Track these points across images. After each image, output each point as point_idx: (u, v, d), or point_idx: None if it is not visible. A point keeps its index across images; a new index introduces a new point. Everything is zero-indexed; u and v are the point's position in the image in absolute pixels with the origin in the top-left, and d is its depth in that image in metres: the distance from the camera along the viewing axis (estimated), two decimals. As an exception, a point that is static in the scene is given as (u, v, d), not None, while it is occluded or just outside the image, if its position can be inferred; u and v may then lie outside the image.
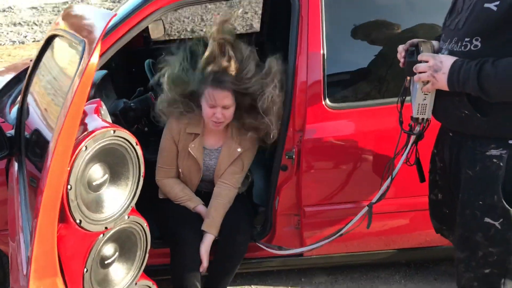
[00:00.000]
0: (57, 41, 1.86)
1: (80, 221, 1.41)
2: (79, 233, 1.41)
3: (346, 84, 2.58)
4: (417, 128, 1.94)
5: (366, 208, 2.27)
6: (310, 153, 2.39)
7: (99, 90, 2.63)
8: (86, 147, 1.39)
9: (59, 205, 1.33)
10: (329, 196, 2.48)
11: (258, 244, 2.56)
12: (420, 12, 2.49)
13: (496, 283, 1.84)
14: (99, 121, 1.53)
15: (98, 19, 1.46)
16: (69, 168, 1.35)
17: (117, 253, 1.60)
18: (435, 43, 1.89)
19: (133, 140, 1.55)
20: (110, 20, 1.35)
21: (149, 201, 2.02)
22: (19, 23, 11.43)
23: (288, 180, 2.46)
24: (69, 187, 1.36)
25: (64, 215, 1.38)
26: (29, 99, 2.14)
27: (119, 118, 2.73)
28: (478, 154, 1.74)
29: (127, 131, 1.54)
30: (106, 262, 1.57)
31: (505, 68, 1.57)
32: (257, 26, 7.62)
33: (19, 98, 2.61)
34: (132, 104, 2.87)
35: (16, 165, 2.10)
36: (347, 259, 2.69)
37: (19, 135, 2.10)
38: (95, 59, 1.29)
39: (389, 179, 2.17)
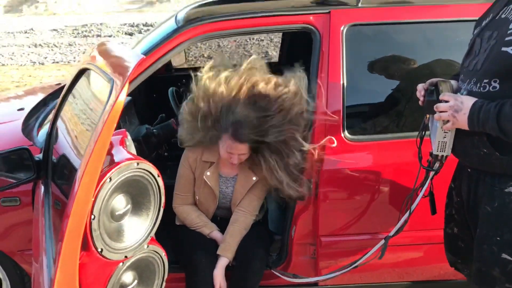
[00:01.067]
0: (89, 73, 1.93)
1: (102, 250, 1.46)
2: (100, 261, 1.46)
3: (365, 117, 2.60)
4: (437, 165, 1.96)
5: (382, 241, 2.29)
6: (328, 183, 2.42)
7: (123, 115, 2.70)
8: (110, 178, 1.44)
9: (83, 233, 1.38)
10: (345, 226, 2.49)
11: (274, 272, 2.57)
12: (437, 49, 2.53)
13: None
14: (124, 153, 1.58)
15: (128, 59, 1.52)
16: (93, 199, 1.40)
17: (136, 281, 1.64)
18: (453, 82, 1.92)
19: (155, 172, 1.60)
20: (138, 63, 1.41)
21: (165, 226, 2.05)
22: (40, 45, 11.77)
23: (306, 210, 2.48)
24: (92, 216, 1.41)
25: (86, 243, 1.42)
26: (59, 124, 2.21)
27: (141, 144, 2.80)
28: (496, 190, 1.76)
29: (150, 164, 1.59)
30: (124, 289, 1.62)
31: None
32: (272, 53, 7.73)
33: (48, 123, 2.71)
34: (154, 130, 2.94)
35: (42, 188, 2.17)
36: (361, 290, 2.69)
37: (47, 159, 2.17)
38: (122, 97, 1.34)
39: (407, 213, 2.19)
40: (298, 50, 3.74)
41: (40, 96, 3.17)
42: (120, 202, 1.53)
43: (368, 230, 2.51)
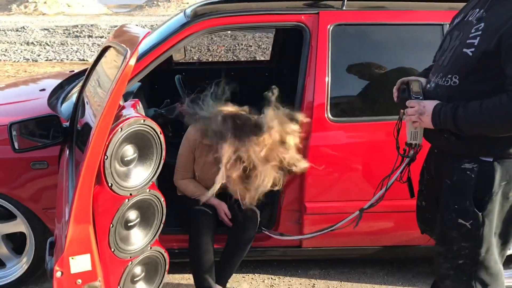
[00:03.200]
0: (110, 50, 2.29)
1: (111, 184, 1.78)
2: (109, 194, 1.78)
3: (346, 102, 2.91)
4: (411, 152, 2.22)
5: (357, 212, 2.56)
6: (314, 157, 2.71)
7: (135, 97, 3.05)
8: (121, 128, 1.76)
9: (97, 170, 1.72)
10: (327, 195, 2.80)
11: (263, 230, 2.87)
12: (410, 47, 2.85)
13: (468, 272, 2.09)
14: (134, 112, 1.92)
15: (138, 34, 1.86)
16: (107, 142, 1.73)
17: (138, 219, 1.96)
18: (422, 80, 2.16)
19: (158, 129, 1.92)
20: (145, 35, 1.75)
21: (169, 199, 2.33)
22: (32, 43, 11.98)
23: (293, 181, 2.79)
24: (105, 157, 1.74)
25: (99, 178, 1.75)
26: (84, 98, 2.57)
27: None
28: (455, 167, 2.01)
29: (154, 122, 1.92)
30: (129, 224, 1.92)
31: (472, 111, 1.84)
32: (260, 58, 8.08)
33: (69, 100, 3.08)
34: (162, 111, 3.29)
35: (67, 152, 2.51)
36: (339, 252, 2.97)
37: (73, 126, 2.52)
38: (132, 62, 1.66)
39: (382, 191, 2.44)
40: (288, 48, 4.08)
41: (56, 80, 3.54)
42: (129, 151, 1.85)
43: (347, 198, 2.79)
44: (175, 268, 2.93)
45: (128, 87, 2.83)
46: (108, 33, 13.25)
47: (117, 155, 1.81)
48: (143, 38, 1.71)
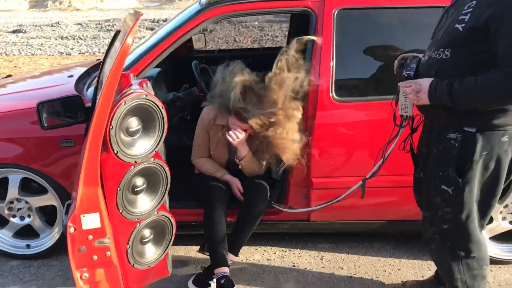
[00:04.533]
0: (119, 34, 2.50)
1: (117, 152, 1.98)
2: (115, 160, 1.97)
3: (350, 82, 3.01)
4: (404, 123, 2.36)
5: (360, 182, 2.68)
6: (319, 135, 2.83)
7: (155, 83, 3.25)
8: (125, 102, 1.96)
9: (103, 138, 1.92)
10: (333, 170, 2.91)
11: (273, 204, 3.00)
12: (413, 30, 2.91)
13: (453, 237, 2.22)
14: (138, 89, 2.11)
15: (135, 18, 2.06)
16: (112, 114, 1.93)
17: (144, 185, 2.15)
18: (420, 55, 2.28)
19: (160, 104, 2.10)
20: (138, 18, 1.95)
21: (188, 177, 2.46)
22: (66, 37, 12.31)
23: (301, 158, 2.89)
24: (111, 126, 1.94)
25: (106, 146, 1.96)
26: (101, 79, 2.79)
27: (169, 106, 3.34)
28: (442, 136, 2.13)
29: (156, 97, 2.11)
30: (135, 189, 2.12)
31: (468, 86, 1.95)
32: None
33: (94, 81, 3.32)
34: (180, 95, 3.49)
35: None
36: (345, 226, 3.08)
37: (94, 107, 2.75)
38: (129, 41, 1.86)
39: (381, 160, 2.56)
40: (303, 34, 4.17)
41: (84, 68, 3.80)
42: (133, 123, 2.04)
43: (351, 174, 2.89)
44: (191, 240, 3.13)
45: (146, 72, 3.02)
46: (139, 26, 13.60)
47: (122, 126, 2.01)
48: (136, 21, 1.90)
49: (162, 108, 2.11)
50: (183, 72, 4.19)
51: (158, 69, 3.33)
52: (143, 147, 2.09)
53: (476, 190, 2.11)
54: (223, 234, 2.87)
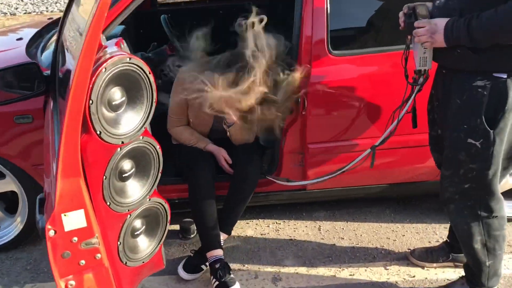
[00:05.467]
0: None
1: (100, 132, 1.54)
2: (99, 143, 1.55)
3: (347, 33, 2.66)
4: (421, 79, 2.07)
5: (369, 150, 2.39)
6: (315, 95, 2.48)
7: None
8: (105, 68, 1.51)
9: (82, 117, 1.49)
10: (331, 134, 2.59)
11: (268, 177, 2.67)
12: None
13: (474, 196, 2.02)
14: (118, 50, 1.67)
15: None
16: (91, 85, 1.50)
17: (133, 169, 1.73)
18: (428, 4, 2.01)
19: (146, 68, 1.67)
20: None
21: (164, 148, 2.14)
22: None
23: (294, 122, 2.57)
24: (90, 101, 1.50)
25: (86, 126, 1.52)
26: (63, 43, 2.30)
27: None
28: (466, 85, 1.89)
29: (142, 61, 1.68)
30: (123, 175, 1.70)
31: (488, 18, 1.72)
32: None
33: (49, 48, 2.80)
34: (150, 55, 3.01)
35: (51, 103, 2.27)
36: (344, 193, 2.80)
37: (54, 74, 2.27)
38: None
39: (394, 124, 2.27)
40: None
41: (35, 29, 3.22)
42: (116, 94, 1.60)
43: (352, 136, 2.59)
44: (177, 219, 2.77)
45: (110, 31, 2.55)
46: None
47: (104, 99, 1.57)
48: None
49: (150, 73, 1.68)
50: (147, 29, 3.66)
51: (122, 26, 2.83)
52: (130, 124, 1.67)
53: (505, 142, 1.89)
54: (213, 214, 2.54)
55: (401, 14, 2.08)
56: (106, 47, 1.72)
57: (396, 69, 2.26)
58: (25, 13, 9.63)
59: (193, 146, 2.66)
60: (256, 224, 2.94)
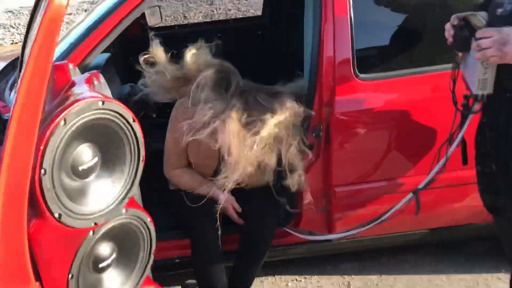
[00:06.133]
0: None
1: (60, 215, 1.01)
2: (59, 230, 1.01)
3: (377, 53, 2.18)
4: (476, 106, 1.63)
5: (410, 194, 1.90)
6: (341, 128, 2.00)
7: (104, 74, 2.25)
8: (65, 120, 1.00)
9: (28, 194, 0.95)
10: (362, 174, 2.11)
11: (287, 230, 2.18)
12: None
13: None
14: (87, 91, 1.14)
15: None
16: (42, 147, 0.97)
17: (114, 255, 1.20)
18: (483, 14, 1.57)
19: (129, 115, 1.15)
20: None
21: (160, 193, 1.65)
22: None
23: (316, 158, 2.07)
24: (42, 171, 0.98)
25: (37, 207, 0.99)
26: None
27: (126, 105, 2.34)
28: None
29: (121, 104, 1.15)
30: (100, 265, 1.17)
31: None
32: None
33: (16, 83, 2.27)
34: (141, 86, 2.49)
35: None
36: (378, 242, 2.28)
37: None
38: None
39: (443, 161, 1.84)
40: (281, 3, 3.30)
41: (7, 61, 2.68)
42: (84, 154, 1.07)
43: (388, 176, 2.11)
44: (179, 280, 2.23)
45: (91, 61, 2.09)
46: (77, 9, 12.32)
47: (65, 164, 1.04)
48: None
49: (134, 120, 1.15)
50: (137, 57, 3.15)
51: (106, 54, 2.33)
52: (107, 195, 1.13)
53: None
54: (221, 278, 2.07)
55: (448, 26, 1.63)
56: (74, 84, 1.19)
57: (439, 94, 1.90)
58: (12, 43, 9.26)
59: (195, 192, 2.14)
60: (272, 282, 2.42)
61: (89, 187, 1.10)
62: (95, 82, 1.27)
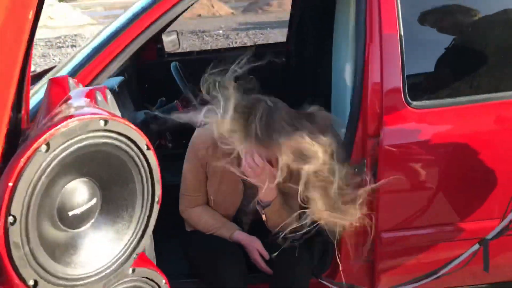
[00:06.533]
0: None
1: (36, 282, 0.67)
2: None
3: (431, 78, 1.88)
4: None
5: (476, 246, 1.58)
6: (390, 163, 1.71)
7: (116, 98, 2.00)
8: (48, 145, 0.68)
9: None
10: (414, 218, 1.81)
11: (322, 282, 1.87)
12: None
13: None
14: (84, 107, 0.83)
15: None
16: (11, 183, 0.64)
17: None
18: None
19: (142, 140, 0.84)
20: None
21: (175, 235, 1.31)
22: None
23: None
24: (10, 219, 0.65)
25: (3, 273, 0.66)
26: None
27: (141, 131, 2.07)
28: None
29: (132, 126, 0.84)
30: None
31: None
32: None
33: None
34: (156, 113, 2.23)
35: None
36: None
37: None
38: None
39: None
40: (310, 23, 3.09)
41: None
42: (78, 193, 0.76)
43: (445, 221, 1.82)
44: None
45: (103, 79, 1.85)
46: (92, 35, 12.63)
47: (48, 208, 0.71)
48: None
49: (149, 149, 0.83)
50: (155, 83, 2.93)
51: (120, 78, 2.10)
52: (107, 251, 0.79)
53: None
54: None
55: None
56: (69, 98, 0.89)
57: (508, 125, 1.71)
58: (29, 74, 9.43)
59: (214, 234, 1.89)
60: None
61: (83, 241, 0.76)
62: (99, 98, 0.96)
